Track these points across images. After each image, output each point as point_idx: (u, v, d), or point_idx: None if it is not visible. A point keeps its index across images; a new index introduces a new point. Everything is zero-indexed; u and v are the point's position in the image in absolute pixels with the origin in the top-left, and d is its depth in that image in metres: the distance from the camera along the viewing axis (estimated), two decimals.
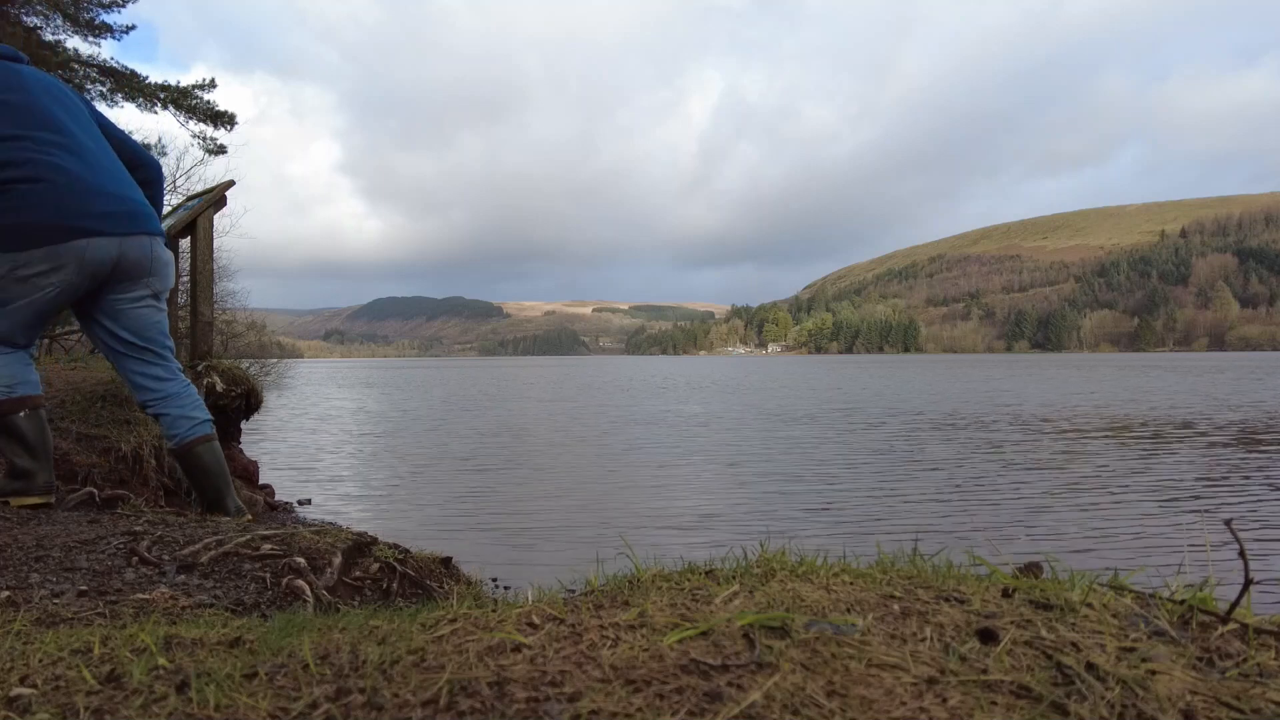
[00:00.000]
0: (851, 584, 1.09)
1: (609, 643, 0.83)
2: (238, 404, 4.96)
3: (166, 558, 1.94)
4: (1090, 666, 0.76)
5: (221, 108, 14.11)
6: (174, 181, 13.74)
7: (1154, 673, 0.75)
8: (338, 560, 2.08)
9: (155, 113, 13.85)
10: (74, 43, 13.33)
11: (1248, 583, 0.94)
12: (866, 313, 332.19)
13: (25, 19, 12.84)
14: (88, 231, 2.14)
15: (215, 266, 8.21)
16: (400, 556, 2.28)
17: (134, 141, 2.49)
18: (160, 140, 14.26)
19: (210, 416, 2.52)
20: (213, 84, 14.09)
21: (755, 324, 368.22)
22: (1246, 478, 7.13)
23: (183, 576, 1.84)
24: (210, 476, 2.45)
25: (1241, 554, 0.94)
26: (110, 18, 13.59)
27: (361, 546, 2.23)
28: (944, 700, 0.69)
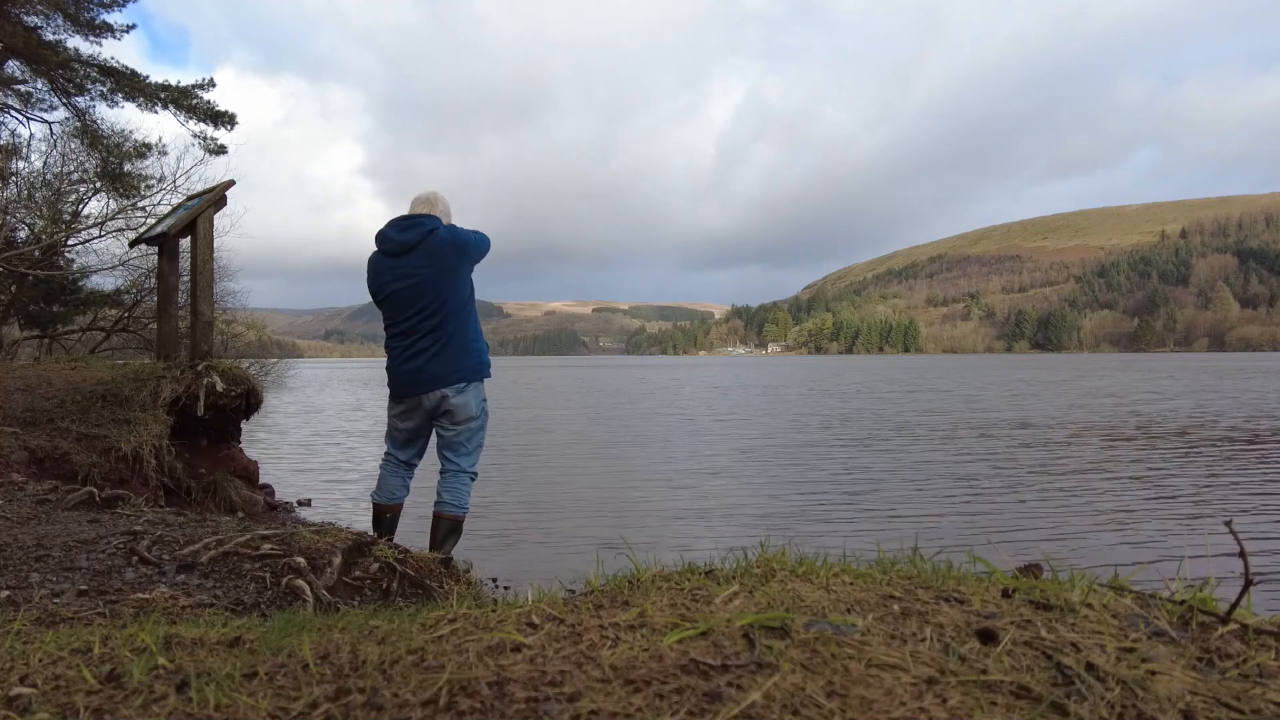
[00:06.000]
0: (851, 584, 1.09)
1: (609, 643, 0.83)
2: (238, 403, 4.96)
3: (166, 557, 1.94)
4: (1090, 667, 0.76)
5: (221, 108, 14.11)
6: (174, 181, 13.73)
7: (1154, 673, 0.75)
8: (338, 560, 2.08)
9: (155, 112, 13.84)
10: (75, 42, 13.33)
11: (1247, 583, 0.94)
12: (866, 313, 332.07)
13: (26, 19, 12.84)
14: (401, 396, 3.31)
15: (215, 266, 8.21)
16: (400, 556, 2.28)
17: (470, 240, 3.34)
18: (160, 140, 14.27)
19: (457, 503, 3.28)
20: (211, 83, 14.07)
21: (755, 324, 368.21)
22: (1247, 478, 7.13)
23: (183, 576, 1.84)
24: (437, 535, 3.25)
25: (1241, 554, 0.94)
26: (111, 17, 13.60)
27: (361, 546, 2.23)
28: (944, 700, 0.69)
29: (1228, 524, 1.00)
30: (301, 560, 1.98)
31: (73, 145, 13.88)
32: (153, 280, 12.14)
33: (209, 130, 14.12)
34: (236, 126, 14.24)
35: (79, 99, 13.70)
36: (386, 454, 3.46)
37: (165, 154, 14.05)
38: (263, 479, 5.79)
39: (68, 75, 13.28)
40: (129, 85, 13.44)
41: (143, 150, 13.96)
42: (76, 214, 13.93)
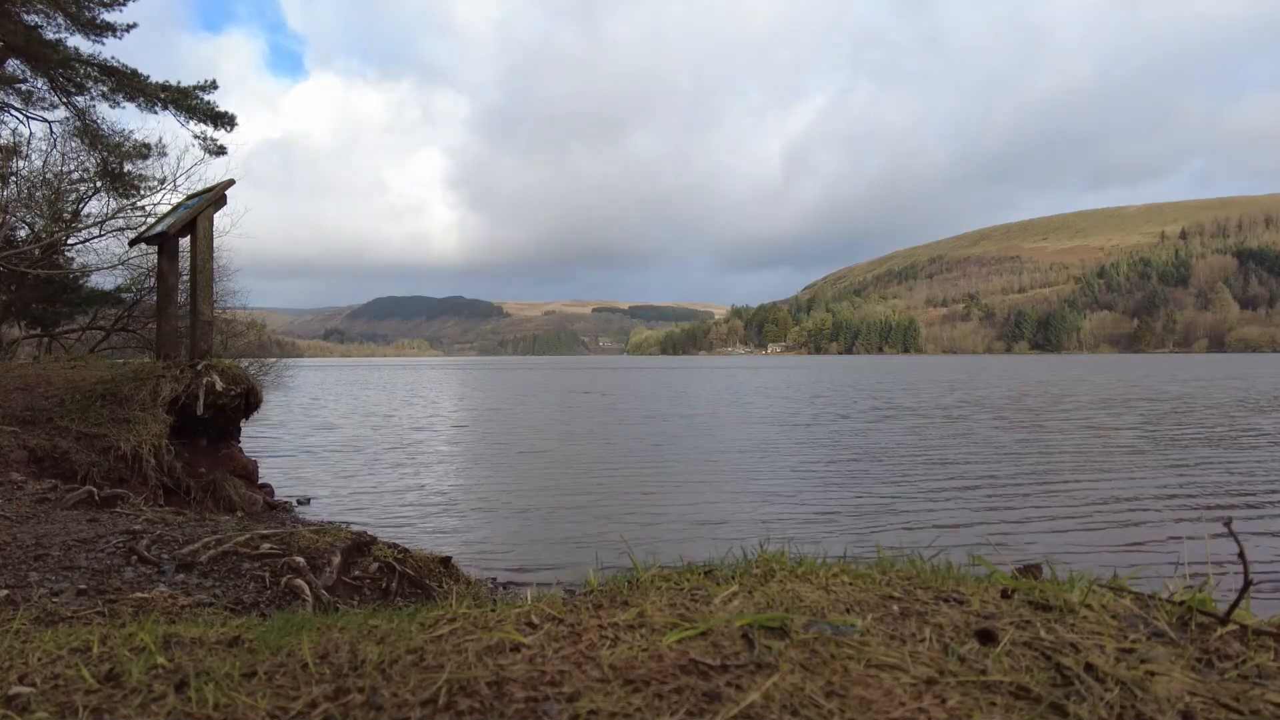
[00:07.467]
0: (851, 584, 1.09)
1: (608, 643, 0.83)
2: (237, 403, 4.96)
3: (165, 557, 1.94)
4: (1089, 667, 0.76)
5: (222, 108, 14.10)
6: (174, 181, 13.72)
7: (1153, 674, 0.75)
8: (337, 559, 2.08)
9: (155, 113, 13.83)
10: (75, 41, 13.32)
11: (1247, 584, 0.94)
12: (866, 313, 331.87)
13: (26, 18, 12.83)
14: None
15: (215, 266, 8.20)
16: (399, 556, 2.28)
17: None
18: (160, 140, 14.26)
19: None
20: (213, 85, 14.07)
21: (755, 324, 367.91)
22: (1247, 478, 7.13)
23: (182, 575, 1.84)
24: None
25: (1241, 555, 0.94)
26: (112, 16, 13.58)
27: (361, 546, 2.23)
28: (943, 701, 0.69)
29: (1227, 524, 1.00)
30: (301, 560, 1.98)
31: (73, 144, 13.87)
32: (152, 279, 12.13)
33: (209, 131, 14.12)
34: (236, 127, 14.25)
35: (79, 98, 13.70)
36: None
37: (165, 154, 14.05)
38: (262, 478, 5.79)
39: (68, 74, 13.28)
40: (129, 85, 13.44)
41: (143, 150, 13.95)
42: (76, 213, 13.92)
